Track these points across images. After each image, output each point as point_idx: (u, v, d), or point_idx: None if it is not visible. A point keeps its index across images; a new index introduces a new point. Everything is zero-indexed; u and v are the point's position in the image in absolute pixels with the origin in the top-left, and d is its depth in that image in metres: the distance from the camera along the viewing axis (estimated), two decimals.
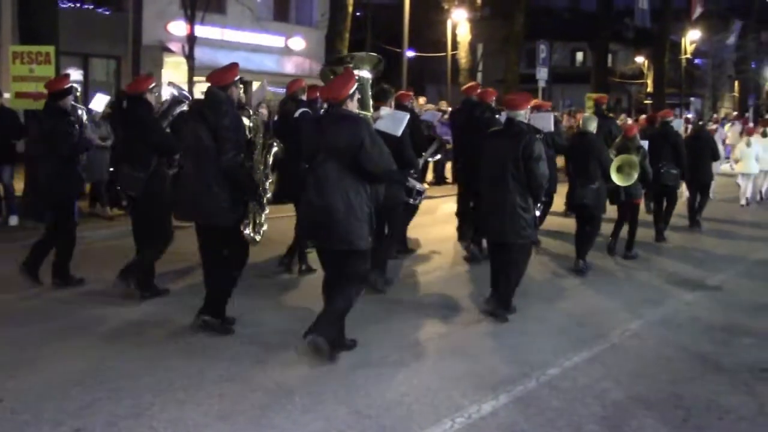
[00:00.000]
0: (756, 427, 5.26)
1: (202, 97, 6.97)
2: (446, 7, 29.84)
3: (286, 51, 30.03)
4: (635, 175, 10.07)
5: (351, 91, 6.07)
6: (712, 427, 5.23)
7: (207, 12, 21.84)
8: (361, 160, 5.91)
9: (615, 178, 9.95)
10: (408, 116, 8.39)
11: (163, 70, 25.73)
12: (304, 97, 9.08)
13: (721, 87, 51.77)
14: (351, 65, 6.71)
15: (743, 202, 17.26)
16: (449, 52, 29.99)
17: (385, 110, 8.37)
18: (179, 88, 8.30)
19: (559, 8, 45.18)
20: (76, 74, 23.78)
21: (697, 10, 40.78)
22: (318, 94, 8.36)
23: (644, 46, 43.96)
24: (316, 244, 6.41)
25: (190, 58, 21.04)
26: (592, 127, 9.99)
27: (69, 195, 8.42)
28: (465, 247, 10.47)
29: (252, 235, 6.95)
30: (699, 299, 8.75)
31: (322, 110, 6.66)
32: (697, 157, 13.17)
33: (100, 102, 12.74)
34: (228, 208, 6.54)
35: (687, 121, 23.45)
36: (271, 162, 7.15)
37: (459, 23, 29.51)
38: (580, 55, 51.27)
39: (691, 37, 42.32)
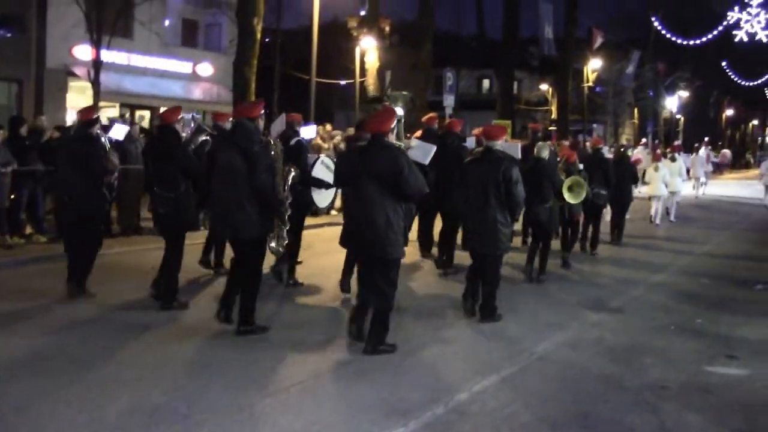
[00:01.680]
0: None
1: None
2: (355, 34, 30.04)
3: (194, 77, 29.77)
4: (583, 194, 11.64)
5: (392, 125, 7.16)
6: None
7: (113, 36, 21.39)
8: (401, 184, 6.88)
9: (567, 196, 11.39)
10: (435, 148, 9.77)
11: (67, 95, 25.17)
12: (299, 129, 10.24)
13: (622, 114, 53.73)
14: (389, 102, 7.53)
15: (656, 221, 18.88)
16: (357, 79, 30.14)
17: (415, 141, 9.68)
18: (200, 120, 9.19)
19: (465, 36, 45.97)
20: None
21: (598, 41, 42.26)
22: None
23: (548, 74, 45.11)
24: (356, 252, 7.52)
25: (95, 83, 20.56)
26: (545, 154, 11.12)
27: (97, 210, 9.10)
28: (439, 265, 11.45)
29: (276, 247, 7.89)
30: (603, 320, 8.97)
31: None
32: (620, 179, 14.32)
33: (119, 131, 13.52)
34: (256, 222, 7.41)
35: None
36: (289, 185, 8.26)
37: (367, 50, 29.75)
38: (486, 83, 52.40)
39: (593, 66, 43.69)
